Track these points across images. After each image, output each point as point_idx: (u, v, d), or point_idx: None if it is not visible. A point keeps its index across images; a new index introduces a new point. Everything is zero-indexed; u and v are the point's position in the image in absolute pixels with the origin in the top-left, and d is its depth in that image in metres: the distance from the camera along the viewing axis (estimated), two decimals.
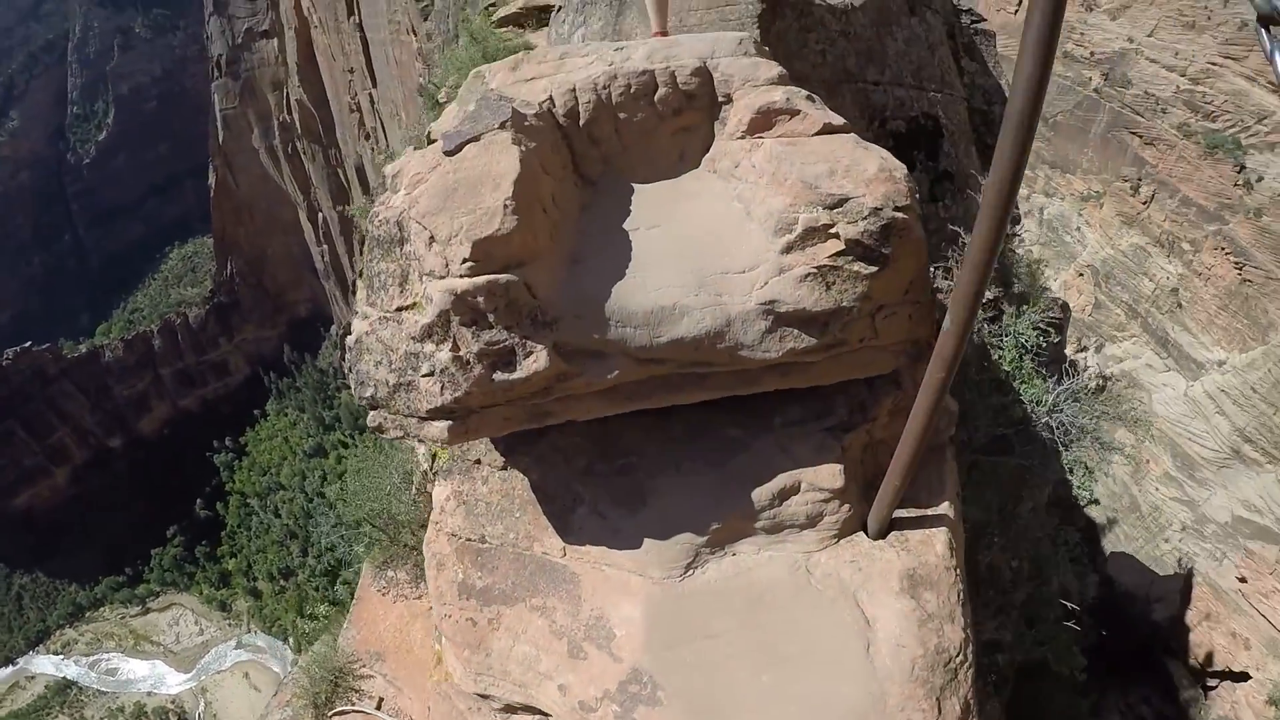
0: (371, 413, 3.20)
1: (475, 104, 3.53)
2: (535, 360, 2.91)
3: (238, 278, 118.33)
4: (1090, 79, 36.97)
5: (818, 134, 3.46)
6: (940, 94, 8.77)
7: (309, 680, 6.59)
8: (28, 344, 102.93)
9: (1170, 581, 22.15)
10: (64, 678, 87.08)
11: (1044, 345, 7.18)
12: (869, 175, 3.18)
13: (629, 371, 3.06)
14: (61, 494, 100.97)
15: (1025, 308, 7.38)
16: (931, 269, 7.63)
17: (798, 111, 3.50)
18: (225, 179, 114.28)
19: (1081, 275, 37.37)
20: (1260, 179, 28.68)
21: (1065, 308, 9.99)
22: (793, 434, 3.45)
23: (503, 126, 3.23)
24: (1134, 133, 34.18)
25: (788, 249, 3.13)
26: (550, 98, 3.65)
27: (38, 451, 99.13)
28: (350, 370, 3.18)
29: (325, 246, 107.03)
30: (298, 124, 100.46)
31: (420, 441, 3.33)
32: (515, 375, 2.91)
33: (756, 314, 3.06)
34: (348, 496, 8.63)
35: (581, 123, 3.67)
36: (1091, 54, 35.67)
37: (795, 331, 3.07)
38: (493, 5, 19.38)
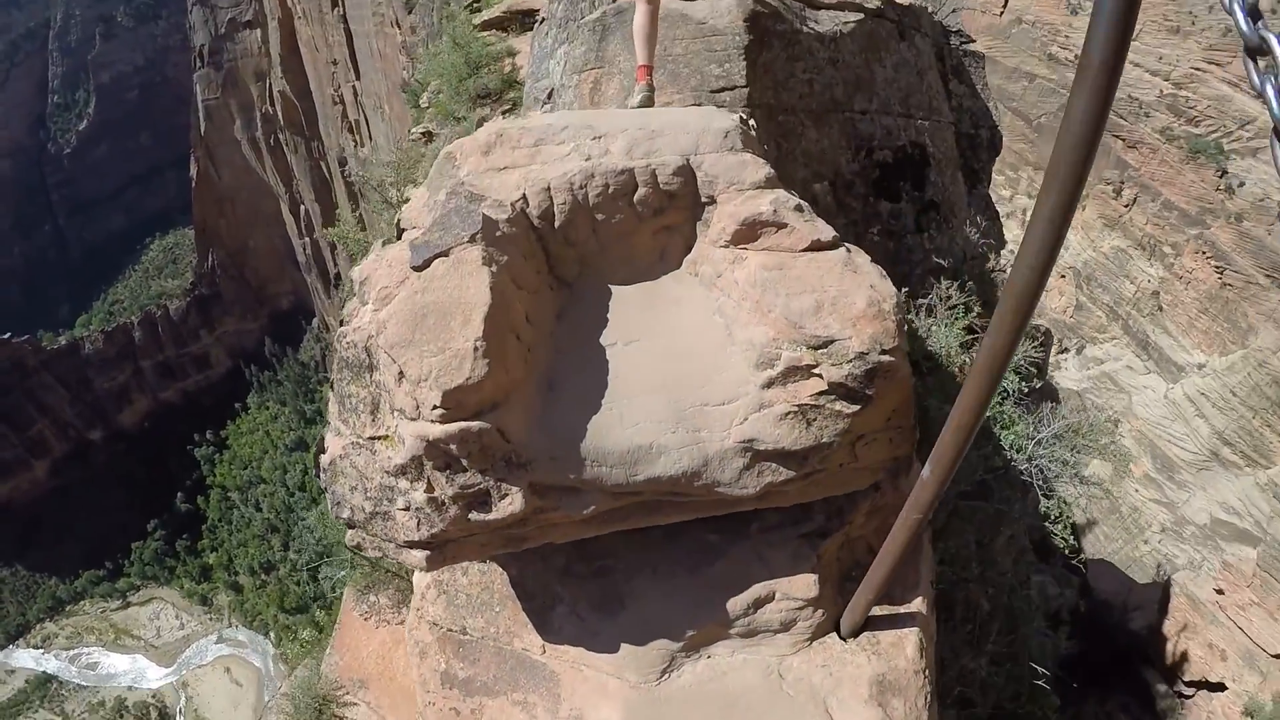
0: (350, 531, 3.21)
1: (445, 195, 3.48)
2: (510, 502, 2.91)
3: (219, 270, 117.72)
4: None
5: (806, 250, 3.37)
6: (928, 121, 8.64)
7: (293, 708, 6.55)
8: (7, 335, 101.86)
9: (1148, 590, 22.46)
10: (44, 672, 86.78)
11: (1026, 390, 7.21)
12: (856, 312, 3.13)
13: (605, 504, 3.06)
14: (41, 487, 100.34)
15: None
16: (911, 311, 7.64)
17: (785, 225, 3.41)
18: (207, 170, 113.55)
19: (1063, 277, 37.69)
20: (1241, 184, 28.98)
21: (1047, 336, 9.98)
22: (770, 540, 3.47)
23: (473, 240, 3.16)
24: (1117, 136, 34.40)
25: (769, 384, 3.10)
26: (524, 196, 3.52)
27: (17, 444, 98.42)
28: (326, 489, 3.19)
29: (307, 239, 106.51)
30: (280, 115, 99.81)
31: (399, 563, 3.32)
32: (491, 516, 2.92)
33: (734, 452, 3.04)
34: (328, 520, 8.74)
35: (557, 224, 3.55)
36: (1076, 57, 35.91)
37: (773, 466, 3.07)
38: (476, 3, 19.24)
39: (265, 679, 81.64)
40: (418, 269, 3.08)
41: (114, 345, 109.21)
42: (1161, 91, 31.28)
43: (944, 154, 8.93)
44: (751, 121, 4.26)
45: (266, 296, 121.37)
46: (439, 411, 2.79)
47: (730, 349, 3.27)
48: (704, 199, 3.66)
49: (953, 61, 10.18)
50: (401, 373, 2.85)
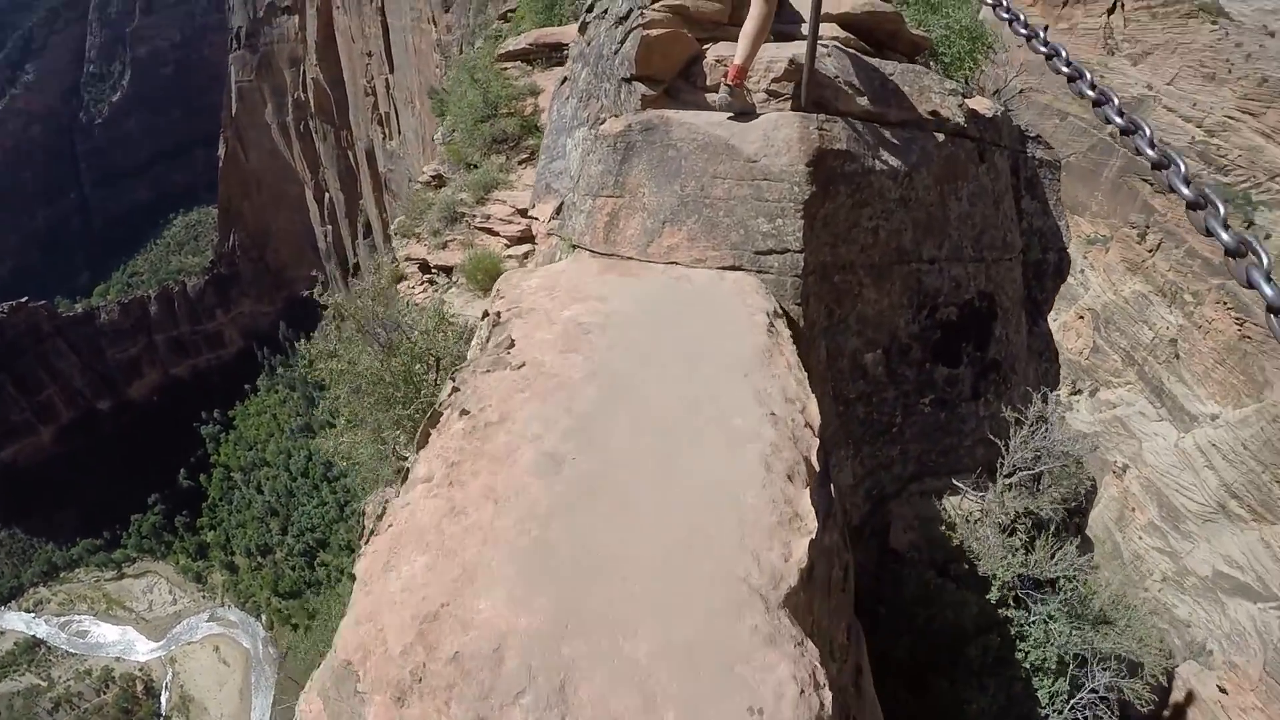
0: None
1: None
2: None
3: (239, 250, 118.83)
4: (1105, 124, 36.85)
5: None
6: (1000, 263, 7.69)
7: None
8: (24, 299, 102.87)
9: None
10: (33, 636, 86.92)
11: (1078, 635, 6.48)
12: None
13: None
14: (45, 452, 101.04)
15: (1061, 553, 6.60)
16: (953, 495, 7.00)
17: None
18: (235, 151, 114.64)
19: (1082, 318, 37.31)
20: (1268, 236, 28.67)
21: (1090, 492, 8.98)
22: None
23: None
24: (1145, 180, 34.14)
25: None
26: None
27: (25, 408, 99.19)
28: None
29: (329, 227, 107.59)
30: (312, 103, 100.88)
31: None
32: None
33: None
34: (326, 510, 8.72)
35: None
36: None
37: None
38: (510, 13, 18.72)
39: (254, 661, 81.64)
40: None
41: (129, 317, 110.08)
42: (1193, 138, 31.07)
43: (1012, 299, 8.00)
44: None
45: (285, 280, 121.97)
46: None
47: None
48: None
49: (1027, 174, 9.26)
50: None
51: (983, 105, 7.83)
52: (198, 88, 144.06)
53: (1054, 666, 6.36)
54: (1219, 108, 29.64)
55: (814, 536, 3.20)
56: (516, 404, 3.72)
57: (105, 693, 79.70)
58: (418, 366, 7.52)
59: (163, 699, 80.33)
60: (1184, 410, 32.10)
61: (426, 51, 56.56)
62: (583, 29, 7.98)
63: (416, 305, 12.38)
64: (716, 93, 5.75)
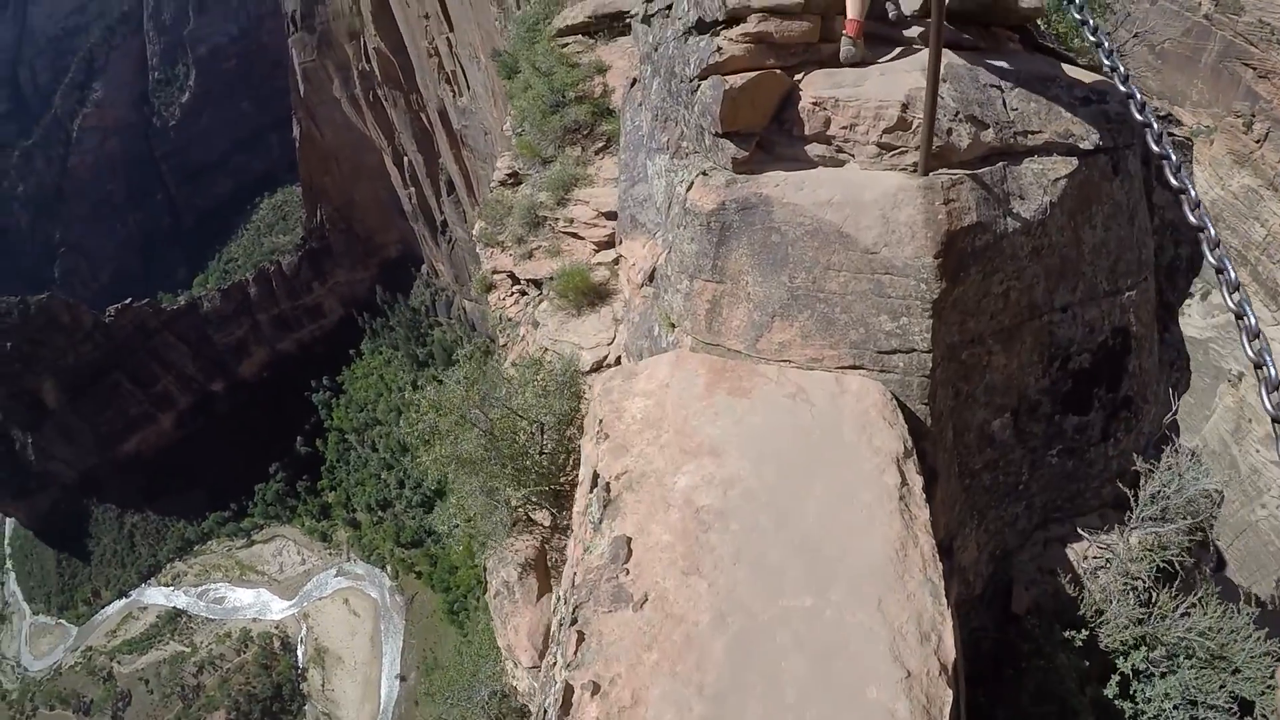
0: None
1: None
2: None
3: (327, 224, 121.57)
4: (1200, 4, 33.95)
5: None
6: (1135, 291, 6.71)
7: None
8: (128, 300, 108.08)
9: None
10: (174, 607, 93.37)
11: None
12: None
13: None
14: (168, 438, 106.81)
15: (1185, 607, 5.88)
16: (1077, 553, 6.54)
17: None
18: (310, 130, 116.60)
19: None
20: None
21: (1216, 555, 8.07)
22: None
23: None
24: (1247, 64, 31.47)
25: None
26: None
27: (143, 400, 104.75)
28: None
29: (412, 189, 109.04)
30: (377, 71, 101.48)
31: None
32: None
33: None
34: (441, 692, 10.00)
35: None
36: None
37: None
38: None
39: (382, 610, 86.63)
40: None
41: (231, 302, 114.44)
42: None
43: (1146, 323, 7.06)
44: None
45: (375, 246, 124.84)
46: None
47: None
48: None
49: (1157, 161, 8.31)
50: None
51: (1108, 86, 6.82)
52: (262, 75, 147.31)
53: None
54: None
55: None
56: (646, 672, 3.60)
57: (245, 652, 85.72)
58: (520, 438, 7.31)
59: (299, 652, 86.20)
60: None
61: (482, 4, 56.03)
62: (647, 20, 7.29)
63: (510, 319, 12.15)
64: (817, 143, 5.22)
